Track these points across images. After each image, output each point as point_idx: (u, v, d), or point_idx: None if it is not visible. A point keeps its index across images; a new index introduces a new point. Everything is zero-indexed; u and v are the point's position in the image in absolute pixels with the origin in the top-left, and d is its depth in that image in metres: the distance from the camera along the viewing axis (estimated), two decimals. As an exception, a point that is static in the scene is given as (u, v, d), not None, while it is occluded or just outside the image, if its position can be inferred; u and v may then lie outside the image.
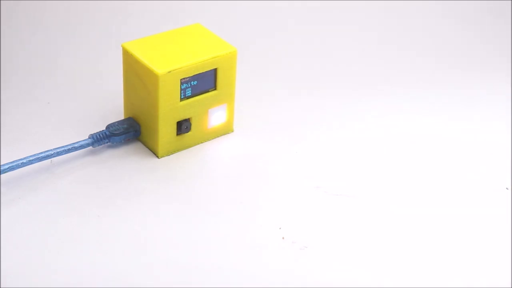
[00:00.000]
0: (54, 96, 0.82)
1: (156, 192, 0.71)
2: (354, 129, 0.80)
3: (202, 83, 0.74)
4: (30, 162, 0.70)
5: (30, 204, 0.68)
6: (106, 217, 0.67)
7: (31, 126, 0.78)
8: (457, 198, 0.72)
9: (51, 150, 0.71)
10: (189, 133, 0.75)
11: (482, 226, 0.69)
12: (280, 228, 0.67)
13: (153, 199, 0.70)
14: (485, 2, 1.02)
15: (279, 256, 0.65)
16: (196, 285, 0.62)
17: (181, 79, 0.72)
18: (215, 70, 0.74)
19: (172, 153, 0.75)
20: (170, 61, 0.72)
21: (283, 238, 0.66)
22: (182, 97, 0.73)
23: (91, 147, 0.74)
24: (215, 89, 0.75)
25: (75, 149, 0.73)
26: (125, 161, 0.74)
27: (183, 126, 0.74)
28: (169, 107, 0.72)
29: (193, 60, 0.72)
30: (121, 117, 0.78)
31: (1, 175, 0.69)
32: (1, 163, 0.70)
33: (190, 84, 0.73)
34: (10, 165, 0.69)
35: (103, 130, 0.74)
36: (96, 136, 0.74)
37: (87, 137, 0.74)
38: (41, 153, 0.71)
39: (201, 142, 0.77)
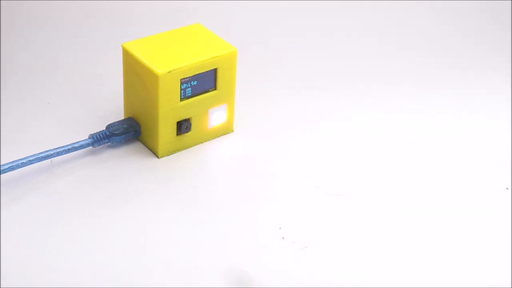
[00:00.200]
0: (54, 96, 0.82)
1: (156, 192, 0.71)
2: (354, 129, 0.80)
3: (202, 83, 0.74)
4: (30, 162, 0.70)
5: (30, 204, 0.68)
6: (106, 217, 0.67)
7: (31, 126, 0.78)
8: (457, 198, 0.72)
9: (51, 150, 0.71)
10: (189, 133, 0.75)
11: (482, 226, 0.69)
12: (280, 228, 0.67)
13: (153, 199, 0.70)
14: (485, 2, 1.02)
15: (279, 256, 0.64)
16: (196, 285, 0.62)
17: (181, 79, 0.72)
18: (215, 70, 0.74)
19: (172, 153, 0.75)
20: (170, 61, 0.72)
21: (283, 238, 0.66)
22: (182, 97, 0.73)
23: (91, 147, 0.74)
24: (215, 89, 0.75)
25: (75, 149, 0.73)
26: (125, 161, 0.74)
27: (183, 126, 0.74)
28: (169, 107, 0.72)
29: (193, 60, 0.72)
30: (121, 117, 0.78)
31: (1, 175, 0.69)
32: (1, 163, 0.70)
33: (190, 84, 0.73)
34: (10, 165, 0.69)
35: (103, 130, 0.74)
36: (96, 136, 0.74)
37: (87, 137, 0.74)
38: (41, 153, 0.71)
39: (201, 142, 0.77)
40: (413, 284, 0.63)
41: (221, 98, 0.76)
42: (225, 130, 0.78)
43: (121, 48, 0.74)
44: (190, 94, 0.73)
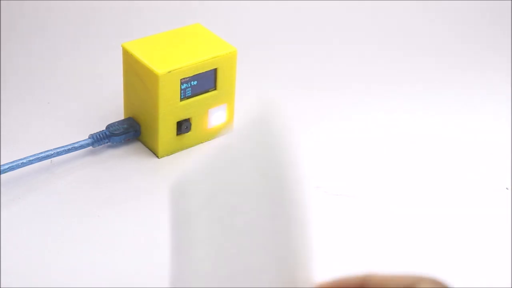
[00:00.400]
0: (54, 96, 0.82)
1: (156, 192, 0.71)
2: (354, 129, 0.80)
3: (202, 83, 0.74)
4: (30, 162, 0.70)
5: (30, 204, 0.68)
6: (106, 217, 0.67)
7: (31, 126, 0.78)
8: (457, 198, 0.72)
9: (51, 150, 0.71)
10: (189, 133, 0.75)
11: (482, 226, 0.69)
12: (280, 228, 0.67)
13: (153, 199, 0.70)
14: (485, 2, 1.02)
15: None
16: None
17: (181, 79, 0.72)
18: (215, 70, 0.74)
19: (172, 153, 0.75)
20: (170, 61, 0.72)
21: (283, 238, 0.66)
22: (182, 97, 0.73)
23: (91, 147, 0.74)
24: (215, 89, 0.75)
25: (75, 149, 0.73)
26: (125, 161, 0.74)
27: (183, 126, 0.74)
28: (169, 107, 0.72)
29: (193, 60, 0.72)
30: (121, 117, 0.78)
31: (1, 175, 0.69)
32: (1, 163, 0.70)
33: (190, 84, 0.73)
34: (10, 165, 0.69)
35: (103, 130, 0.74)
36: (96, 136, 0.74)
37: (87, 137, 0.74)
38: (41, 153, 0.71)
39: (201, 142, 0.77)
40: (413, 284, 0.63)
41: (221, 98, 0.76)
42: (225, 130, 0.78)
43: (121, 48, 0.74)
44: (190, 94, 0.73)
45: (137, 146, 0.76)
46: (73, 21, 0.95)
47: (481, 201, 0.71)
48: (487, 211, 0.70)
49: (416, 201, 0.71)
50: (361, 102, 0.85)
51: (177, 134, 0.75)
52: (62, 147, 0.72)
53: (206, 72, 0.73)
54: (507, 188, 0.73)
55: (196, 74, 0.73)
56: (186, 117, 0.74)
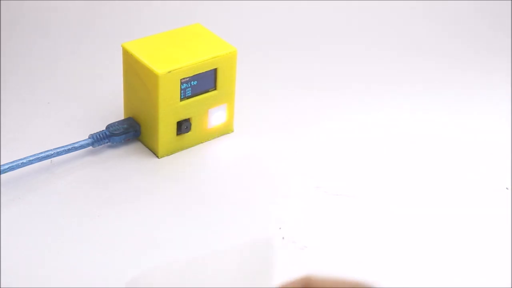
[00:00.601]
0: (54, 96, 0.82)
1: (156, 192, 0.71)
2: (354, 129, 0.80)
3: (202, 83, 0.74)
4: (30, 162, 0.70)
5: (30, 204, 0.68)
6: (106, 217, 0.67)
7: (31, 126, 0.78)
8: (457, 198, 0.72)
9: (51, 150, 0.71)
10: (189, 133, 0.75)
11: (482, 226, 0.69)
12: (280, 228, 0.67)
13: (153, 199, 0.70)
14: (485, 2, 1.02)
15: (279, 256, 0.64)
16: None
17: (181, 79, 0.72)
18: (215, 70, 0.74)
19: (172, 153, 0.75)
20: (170, 61, 0.72)
21: (283, 238, 0.66)
22: (182, 97, 0.73)
23: (91, 147, 0.74)
24: (215, 89, 0.75)
25: (75, 149, 0.73)
26: (125, 161, 0.74)
27: (183, 126, 0.74)
28: (169, 107, 0.72)
29: (193, 60, 0.72)
30: (121, 117, 0.78)
31: (1, 175, 0.69)
32: (1, 163, 0.70)
33: (190, 84, 0.73)
34: (10, 165, 0.69)
35: (103, 130, 0.74)
36: (96, 136, 0.74)
37: (87, 137, 0.74)
38: (41, 153, 0.71)
39: (201, 142, 0.77)
40: (413, 284, 0.63)
41: (221, 98, 0.76)
42: (225, 130, 0.78)
43: (121, 48, 0.74)
44: (190, 94, 0.73)
45: (137, 146, 0.76)
46: (73, 21, 0.95)
47: (481, 201, 0.71)
48: (487, 211, 0.70)
49: (416, 201, 0.71)
50: (361, 102, 0.85)
51: (177, 134, 0.75)
52: (62, 147, 0.72)
53: (206, 72, 0.73)
54: (507, 188, 0.73)
55: (196, 74, 0.73)
56: (186, 117, 0.74)
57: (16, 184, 0.70)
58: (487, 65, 0.93)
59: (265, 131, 0.79)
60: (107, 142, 0.74)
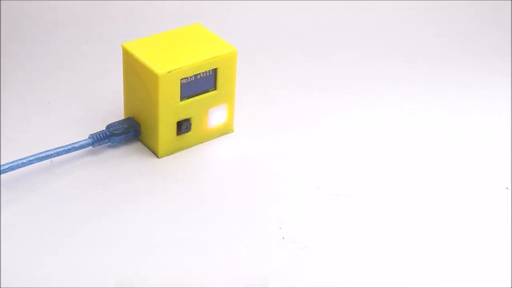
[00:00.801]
0: (54, 96, 0.82)
1: (156, 192, 0.71)
2: (354, 129, 0.80)
3: (202, 83, 0.74)
4: (30, 162, 0.70)
5: (30, 204, 0.68)
6: (106, 217, 0.67)
7: (31, 126, 0.78)
8: (457, 198, 0.72)
9: (51, 150, 0.71)
10: (189, 133, 0.75)
11: (482, 226, 0.69)
12: (280, 228, 0.67)
13: (153, 199, 0.70)
14: (485, 3, 1.02)
15: (279, 256, 0.64)
16: (196, 285, 0.62)
17: (181, 79, 0.72)
18: (215, 70, 0.74)
19: (172, 153, 0.75)
20: (170, 61, 0.72)
21: (283, 238, 0.66)
22: (182, 97, 0.73)
23: (91, 147, 0.74)
24: (215, 89, 0.75)
25: (75, 149, 0.73)
26: (125, 161, 0.74)
27: (183, 126, 0.74)
28: (169, 107, 0.72)
29: (193, 60, 0.72)
30: (121, 117, 0.78)
31: (1, 175, 0.69)
32: (1, 163, 0.70)
33: (190, 84, 0.73)
34: (10, 165, 0.69)
35: (103, 130, 0.74)
36: (96, 136, 0.74)
37: (87, 137, 0.74)
38: (41, 153, 0.71)
39: (201, 142, 0.77)
40: (413, 284, 0.63)
41: (221, 98, 0.76)
42: (225, 130, 0.78)
43: (121, 48, 0.74)
44: (190, 94, 0.73)
45: (137, 146, 0.76)
46: (73, 21, 0.95)
47: (481, 201, 0.71)
48: (487, 211, 0.70)
49: (416, 201, 0.71)
50: (361, 102, 0.85)
51: (177, 134, 0.75)
52: (62, 147, 0.72)
53: (206, 72, 0.73)
54: (507, 188, 0.73)
55: (196, 74, 0.73)
56: (186, 117, 0.74)
57: (16, 184, 0.70)
58: (487, 65, 0.93)
59: (265, 131, 0.79)
60: (107, 142, 0.74)
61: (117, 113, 0.79)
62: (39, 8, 0.95)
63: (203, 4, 0.99)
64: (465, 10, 1.01)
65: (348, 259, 0.65)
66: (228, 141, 0.78)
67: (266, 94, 0.85)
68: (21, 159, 0.70)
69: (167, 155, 0.75)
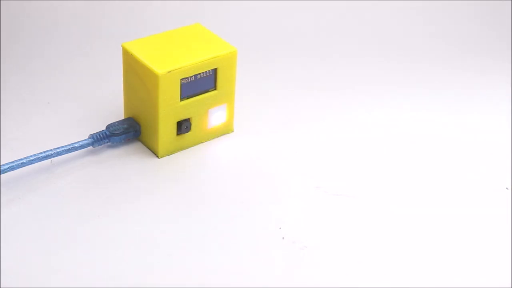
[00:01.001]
0: (54, 96, 0.82)
1: (156, 192, 0.71)
2: (354, 129, 0.80)
3: (202, 83, 0.74)
4: (30, 162, 0.70)
5: (30, 204, 0.68)
6: (106, 217, 0.67)
7: (31, 126, 0.78)
8: (457, 198, 0.72)
9: (51, 150, 0.71)
10: (189, 133, 0.75)
11: (482, 226, 0.69)
12: (280, 228, 0.67)
13: (153, 199, 0.70)
14: (485, 3, 1.02)
15: (279, 256, 0.64)
16: (196, 285, 0.62)
17: (181, 79, 0.72)
18: (215, 70, 0.74)
19: (172, 153, 0.75)
20: (170, 61, 0.72)
21: (283, 238, 0.66)
22: (182, 97, 0.73)
23: (91, 147, 0.74)
24: (215, 89, 0.75)
25: (75, 149, 0.73)
26: (125, 161, 0.74)
27: (183, 126, 0.74)
28: (169, 107, 0.72)
29: (193, 60, 0.72)
30: (121, 117, 0.78)
31: (1, 175, 0.69)
32: (1, 163, 0.70)
33: (190, 84, 0.73)
34: (10, 165, 0.69)
35: (103, 130, 0.74)
36: (96, 136, 0.74)
37: (87, 137, 0.74)
38: (41, 153, 0.71)
39: (201, 142, 0.77)
40: (413, 284, 0.63)
41: (221, 98, 0.76)
42: (225, 130, 0.78)
43: (121, 48, 0.74)
44: (190, 94, 0.73)
45: (137, 146, 0.76)
46: (73, 21, 0.95)
47: (481, 201, 0.71)
48: (487, 211, 0.70)
49: (416, 201, 0.71)
50: (361, 102, 0.85)
51: (177, 134, 0.75)
52: (62, 147, 0.72)
53: (206, 72, 0.73)
54: (507, 188, 0.73)
55: (196, 74, 0.73)
56: (186, 117, 0.74)
57: (16, 184, 0.70)
58: (487, 65, 0.93)
59: (265, 131, 0.79)
60: (107, 142, 0.74)
61: (117, 113, 0.79)
62: (39, 8, 0.95)
63: (203, 4, 0.99)
64: (465, 10, 1.01)
65: (348, 259, 0.65)
66: (228, 141, 0.78)
67: (266, 94, 0.85)
68: (21, 159, 0.70)
69: (167, 155, 0.75)
